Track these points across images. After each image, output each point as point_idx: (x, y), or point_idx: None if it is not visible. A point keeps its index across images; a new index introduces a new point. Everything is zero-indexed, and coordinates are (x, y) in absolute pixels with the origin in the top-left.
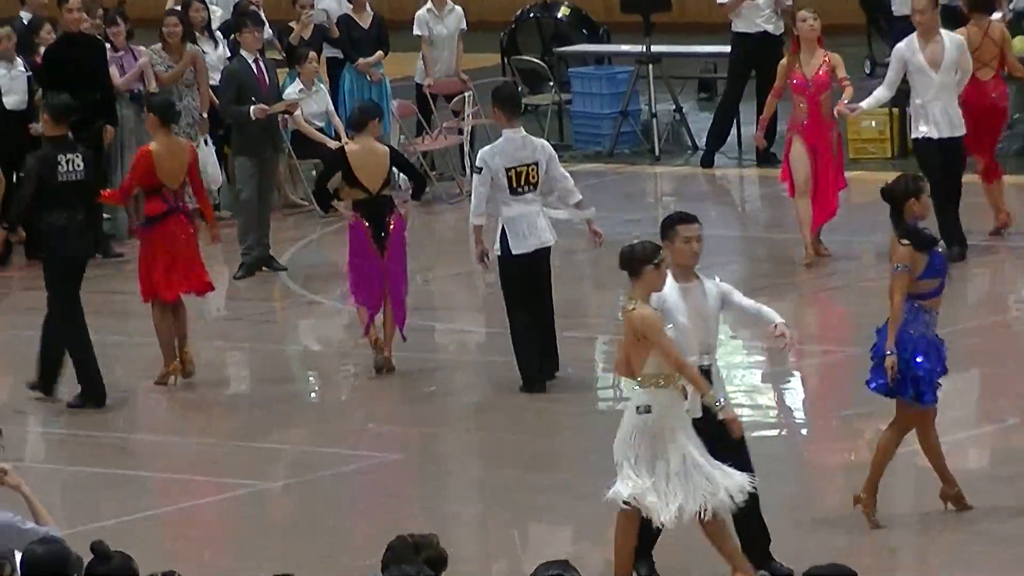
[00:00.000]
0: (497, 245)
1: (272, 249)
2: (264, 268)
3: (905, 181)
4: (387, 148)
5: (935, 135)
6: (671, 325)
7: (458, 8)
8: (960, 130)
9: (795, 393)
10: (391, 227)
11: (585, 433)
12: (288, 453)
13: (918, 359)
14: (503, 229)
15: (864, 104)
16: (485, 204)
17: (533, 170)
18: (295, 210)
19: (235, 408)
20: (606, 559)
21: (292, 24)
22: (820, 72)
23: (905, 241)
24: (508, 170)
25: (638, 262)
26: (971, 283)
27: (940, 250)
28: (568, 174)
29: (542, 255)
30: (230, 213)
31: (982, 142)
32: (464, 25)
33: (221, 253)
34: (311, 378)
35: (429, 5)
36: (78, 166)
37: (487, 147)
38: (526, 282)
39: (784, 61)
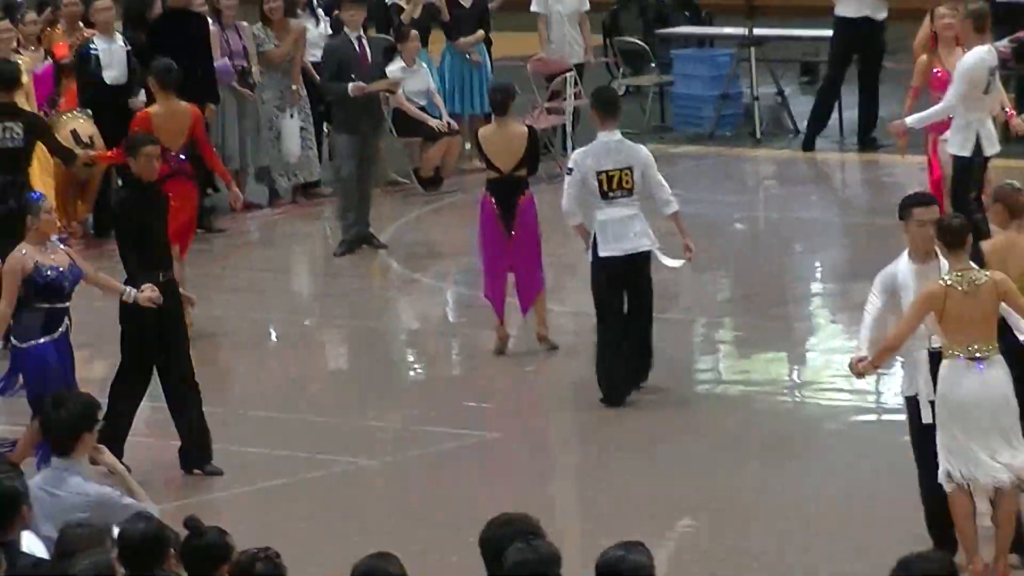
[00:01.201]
0: (590, 250)
1: (372, 227)
2: (364, 245)
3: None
4: (527, 129)
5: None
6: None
7: None
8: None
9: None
10: (519, 208)
11: (683, 416)
12: (387, 430)
13: None
14: (594, 233)
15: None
16: (577, 204)
17: (627, 175)
18: (396, 188)
19: (334, 384)
20: (688, 542)
21: (402, 3)
22: None
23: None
24: (599, 173)
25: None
26: None
27: None
28: (664, 182)
29: (636, 261)
30: (331, 190)
31: None
32: (587, 6)
33: (321, 230)
34: (410, 356)
35: None
36: (17, 134)
37: (580, 149)
38: (617, 288)
39: (923, 59)
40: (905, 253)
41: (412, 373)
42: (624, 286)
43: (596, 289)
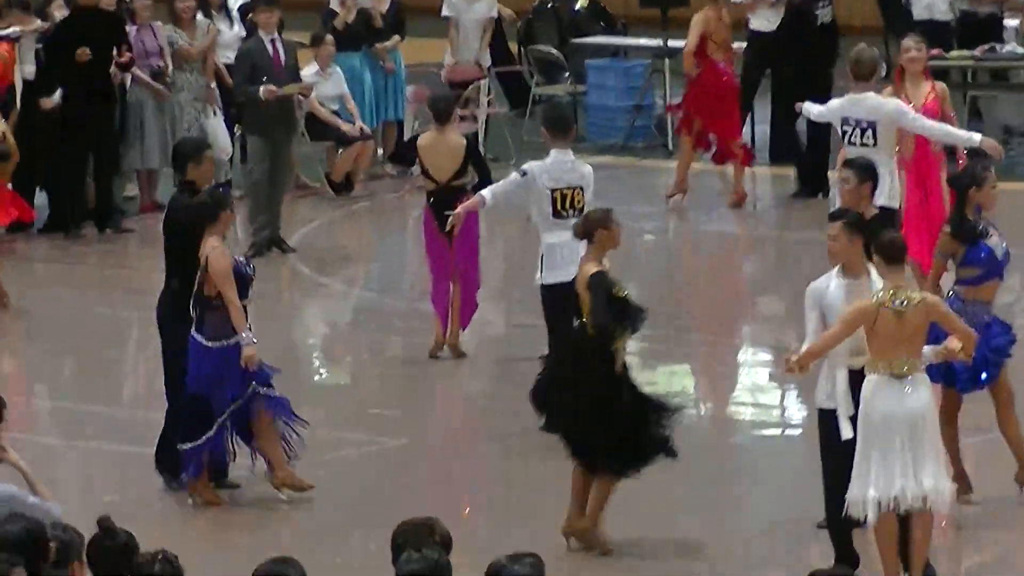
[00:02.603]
0: (538, 273)
1: (282, 230)
2: (274, 249)
3: (971, 169)
4: (464, 140)
5: None
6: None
7: None
8: None
9: (799, 392)
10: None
11: None
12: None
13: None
14: (542, 256)
15: None
16: (503, 198)
17: (579, 194)
18: (307, 192)
19: None
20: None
21: (336, 8)
22: (929, 101)
23: (946, 228)
24: (554, 191)
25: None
26: None
27: (990, 243)
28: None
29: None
30: (241, 192)
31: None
32: (495, 12)
33: (231, 233)
34: (317, 360)
35: None
36: None
37: (537, 162)
38: (564, 312)
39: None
40: (836, 268)
41: (318, 378)
42: (567, 311)
43: (545, 313)
